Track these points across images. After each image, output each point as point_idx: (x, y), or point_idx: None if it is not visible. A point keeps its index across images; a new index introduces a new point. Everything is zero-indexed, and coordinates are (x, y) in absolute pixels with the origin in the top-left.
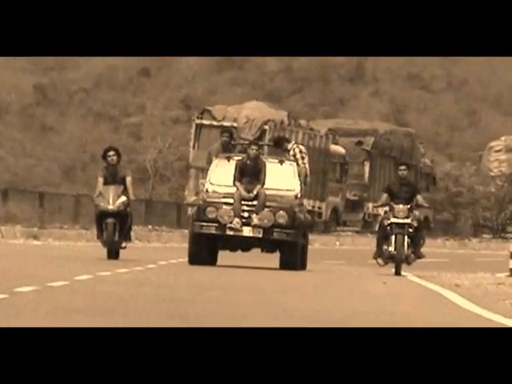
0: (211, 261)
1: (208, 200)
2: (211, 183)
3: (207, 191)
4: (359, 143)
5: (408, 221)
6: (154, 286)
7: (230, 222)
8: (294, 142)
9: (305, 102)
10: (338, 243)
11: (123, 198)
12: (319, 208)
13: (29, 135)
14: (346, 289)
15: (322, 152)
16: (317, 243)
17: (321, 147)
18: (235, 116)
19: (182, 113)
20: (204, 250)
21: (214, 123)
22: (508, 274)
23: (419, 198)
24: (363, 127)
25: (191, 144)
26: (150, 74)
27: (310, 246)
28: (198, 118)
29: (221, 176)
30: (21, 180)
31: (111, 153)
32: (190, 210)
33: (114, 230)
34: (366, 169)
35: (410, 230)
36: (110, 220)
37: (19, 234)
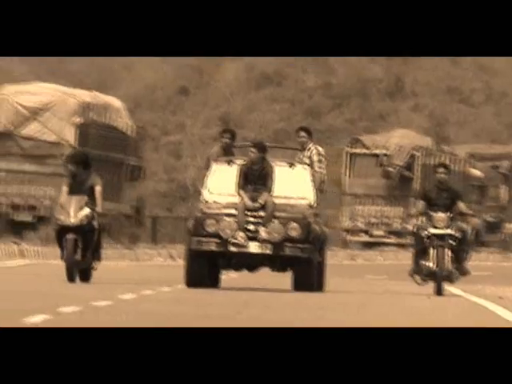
0: (213, 282)
1: (207, 211)
2: (210, 192)
3: (206, 201)
4: (495, 167)
5: (449, 231)
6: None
7: (233, 237)
8: (311, 142)
9: (344, 118)
10: (381, 258)
11: (87, 211)
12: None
13: None
14: (389, 305)
15: (462, 175)
16: (360, 258)
17: (461, 171)
18: (384, 144)
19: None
20: (204, 270)
21: (366, 151)
22: None
23: (461, 204)
24: (497, 151)
25: (343, 171)
26: (189, 93)
27: (353, 262)
28: (348, 146)
29: (222, 183)
30: None
31: (78, 159)
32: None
33: (75, 248)
34: (502, 191)
35: (453, 243)
36: (70, 236)
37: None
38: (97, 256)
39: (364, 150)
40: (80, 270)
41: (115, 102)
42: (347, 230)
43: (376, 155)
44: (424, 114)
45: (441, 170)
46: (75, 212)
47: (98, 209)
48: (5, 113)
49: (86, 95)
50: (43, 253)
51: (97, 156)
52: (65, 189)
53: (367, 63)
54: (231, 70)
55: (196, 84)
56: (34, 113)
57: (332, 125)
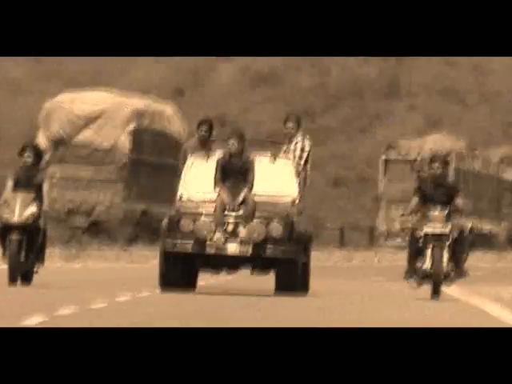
0: (188, 284)
1: (182, 210)
2: (186, 188)
3: (181, 199)
4: None
5: (446, 230)
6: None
7: (211, 238)
8: (300, 134)
9: (338, 118)
10: (376, 259)
11: (33, 209)
12: (494, 232)
13: None
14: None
15: (495, 179)
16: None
17: (494, 174)
18: (419, 150)
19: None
20: (178, 272)
21: (400, 158)
22: None
23: (459, 201)
24: None
25: (380, 178)
26: (184, 94)
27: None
28: (384, 153)
29: (198, 179)
30: None
31: (27, 151)
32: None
33: (20, 248)
34: None
35: (450, 242)
36: (14, 236)
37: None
38: (41, 258)
39: (398, 156)
40: (22, 273)
41: (168, 108)
42: (383, 234)
43: (410, 161)
44: (419, 114)
45: (435, 165)
46: (21, 210)
47: (45, 207)
48: (60, 120)
49: (139, 102)
50: None
51: (150, 162)
52: (10, 184)
53: (362, 63)
54: (226, 70)
55: (191, 85)
56: (89, 120)
57: (328, 126)
